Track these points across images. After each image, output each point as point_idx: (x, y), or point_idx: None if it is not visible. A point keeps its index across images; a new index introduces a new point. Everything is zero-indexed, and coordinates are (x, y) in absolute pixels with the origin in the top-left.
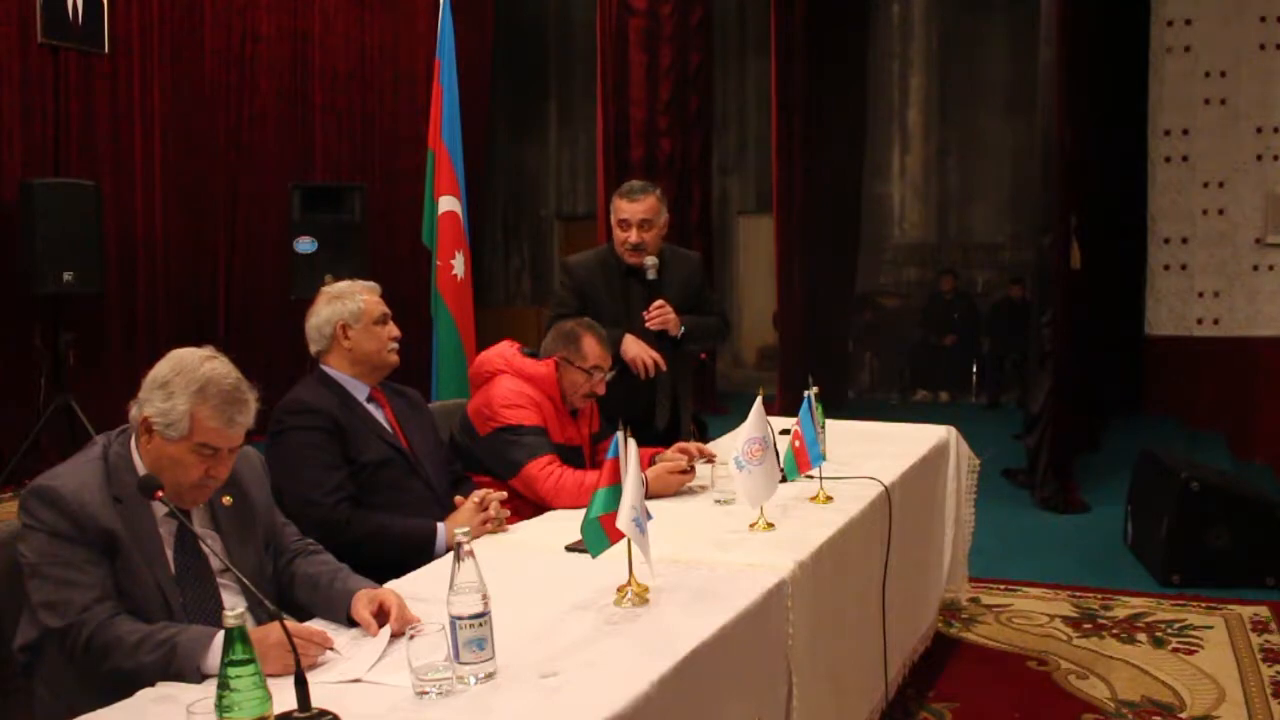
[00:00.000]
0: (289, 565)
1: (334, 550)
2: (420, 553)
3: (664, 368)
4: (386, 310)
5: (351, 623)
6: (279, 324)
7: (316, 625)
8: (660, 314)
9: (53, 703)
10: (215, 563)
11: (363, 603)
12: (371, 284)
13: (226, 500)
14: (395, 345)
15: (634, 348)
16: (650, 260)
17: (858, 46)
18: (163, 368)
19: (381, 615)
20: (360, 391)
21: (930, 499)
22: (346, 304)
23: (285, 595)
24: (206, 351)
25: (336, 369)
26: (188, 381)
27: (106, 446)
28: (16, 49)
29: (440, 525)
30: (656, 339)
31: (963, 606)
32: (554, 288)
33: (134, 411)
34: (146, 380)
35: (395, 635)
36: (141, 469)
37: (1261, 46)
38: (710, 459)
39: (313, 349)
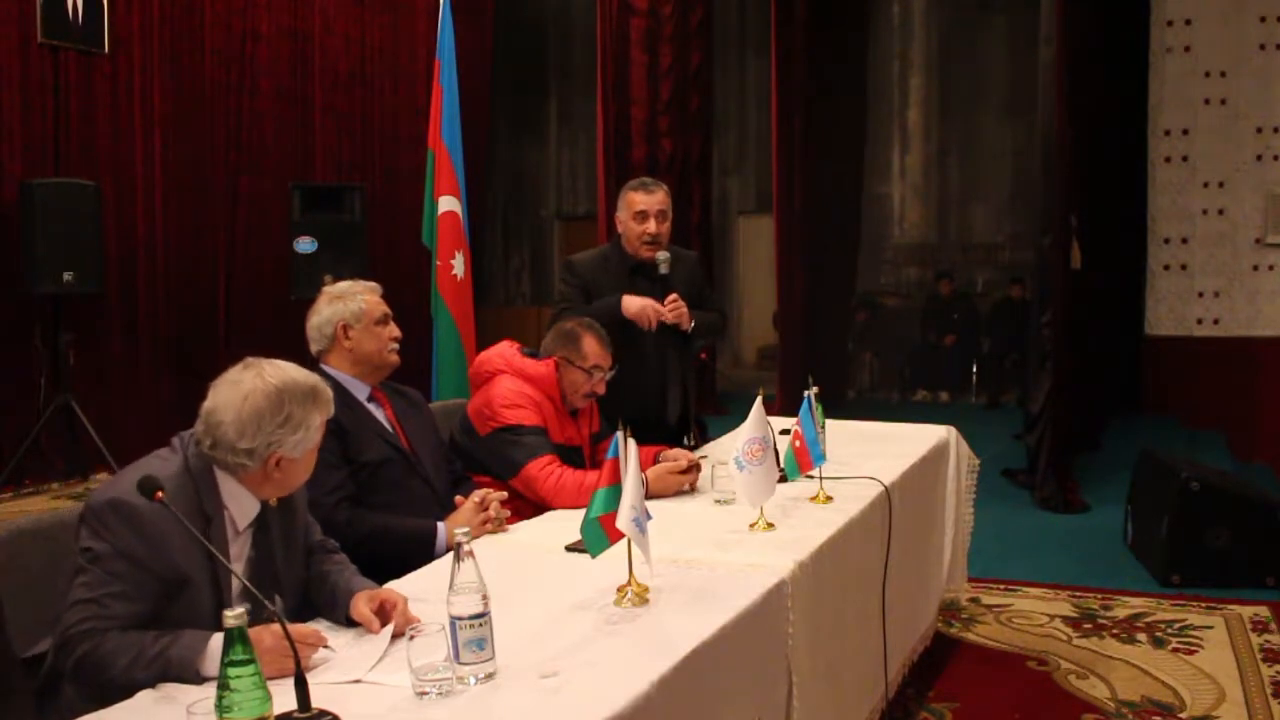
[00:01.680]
0: (310, 564)
1: None
2: (420, 553)
3: (667, 319)
4: (388, 310)
5: (351, 623)
6: (279, 324)
7: (316, 625)
8: (675, 307)
9: (79, 703)
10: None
11: (363, 601)
12: (373, 284)
13: (273, 500)
14: (396, 345)
15: (635, 303)
16: (662, 255)
17: (858, 46)
18: (260, 403)
19: (382, 613)
20: (361, 391)
21: (930, 499)
22: (348, 304)
23: (305, 594)
24: (261, 367)
25: (337, 369)
26: (301, 401)
27: (186, 459)
28: (16, 49)
29: (440, 525)
30: (667, 334)
31: (963, 606)
32: (556, 286)
33: (236, 459)
34: (246, 427)
35: (396, 635)
36: (226, 486)
37: (1261, 46)
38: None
39: (313, 349)
